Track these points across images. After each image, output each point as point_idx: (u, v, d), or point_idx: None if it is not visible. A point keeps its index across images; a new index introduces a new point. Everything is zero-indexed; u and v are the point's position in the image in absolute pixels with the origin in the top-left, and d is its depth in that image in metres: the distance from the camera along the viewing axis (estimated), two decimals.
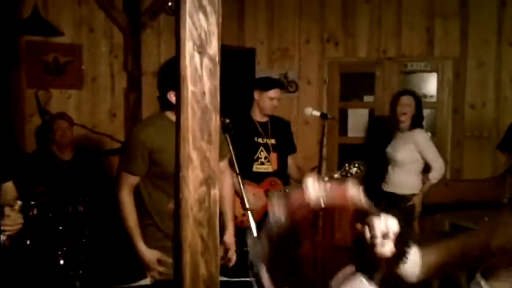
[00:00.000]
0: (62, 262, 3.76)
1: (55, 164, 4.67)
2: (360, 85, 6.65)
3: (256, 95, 4.48)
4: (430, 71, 6.30)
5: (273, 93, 4.47)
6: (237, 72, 5.60)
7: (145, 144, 2.94)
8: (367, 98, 6.57)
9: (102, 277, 3.69)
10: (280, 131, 4.61)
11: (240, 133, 4.23)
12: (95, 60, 5.62)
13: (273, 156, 4.50)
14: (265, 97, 4.46)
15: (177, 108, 1.71)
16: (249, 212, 2.46)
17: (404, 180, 4.73)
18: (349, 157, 6.12)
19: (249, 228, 2.49)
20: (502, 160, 5.43)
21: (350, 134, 6.58)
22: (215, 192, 1.68)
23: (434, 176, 4.63)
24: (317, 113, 4.11)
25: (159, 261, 2.99)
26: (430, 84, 6.34)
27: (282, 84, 4.95)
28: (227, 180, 3.28)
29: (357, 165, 4.20)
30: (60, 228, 3.96)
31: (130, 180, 3.06)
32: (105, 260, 3.96)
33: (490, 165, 5.71)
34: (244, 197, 2.50)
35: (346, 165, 4.25)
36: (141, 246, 3.02)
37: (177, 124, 1.69)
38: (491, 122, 5.79)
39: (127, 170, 3.07)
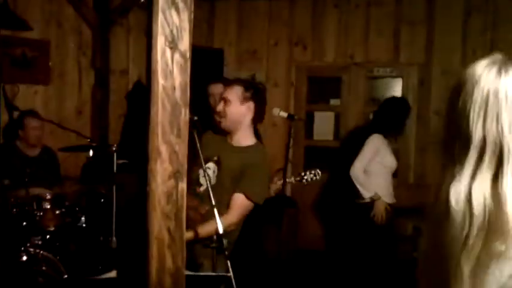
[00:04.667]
0: (24, 258, 3.72)
1: (21, 159, 4.63)
2: (327, 89, 6.74)
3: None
4: (396, 77, 6.41)
5: (211, 88, 4.43)
6: (205, 73, 5.61)
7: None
8: (334, 102, 6.65)
9: (66, 272, 3.67)
10: None
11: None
12: (62, 56, 5.57)
13: None
14: (209, 94, 4.43)
15: (147, 102, 1.73)
16: (215, 209, 2.49)
17: None
18: (314, 159, 6.23)
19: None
20: None
21: (316, 137, 6.65)
22: (183, 186, 1.70)
23: None
24: (284, 114, 4.13)
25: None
26: (395, 90, 6.45)
27: (224, 78, 4.77)
28: (227, 217, 2.92)
29: (313, 172, 4.21)
30: (24, 224, 3.92)
31: None
32: (69, 256, 3.93)
33: None
34: (210, 192, 2.52)
35: (303, 172, 4.25)
36: None
37: (147, 118, 1.72)
38: None
39: None
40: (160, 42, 1.61)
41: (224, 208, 2.92)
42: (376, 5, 6.12)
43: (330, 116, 6.65)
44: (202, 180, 3.05)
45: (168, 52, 1.62)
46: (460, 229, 1.12)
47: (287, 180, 4.08)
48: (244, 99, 3.09)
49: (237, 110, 3.08)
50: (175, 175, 1.67)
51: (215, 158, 3.10)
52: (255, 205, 3.02)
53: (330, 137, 6.56)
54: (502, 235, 1.08)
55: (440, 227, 1.15)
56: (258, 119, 3.20)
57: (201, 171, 3.02)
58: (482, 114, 1.13)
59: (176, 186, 1.68)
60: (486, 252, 1.09)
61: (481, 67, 1.17)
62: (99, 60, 5.62)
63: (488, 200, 1.10)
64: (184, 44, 1.64)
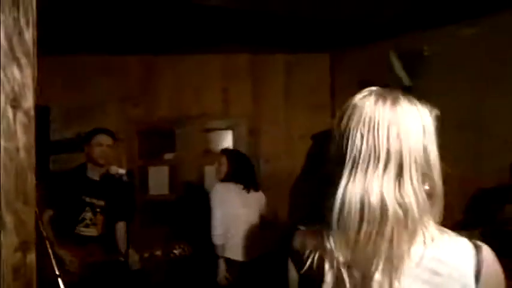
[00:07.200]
0: None
1: None
2: (160, 143, 6.68)
3: (85, 149, 4.31)
4: (227, 129, 6.57)
5: (99, 138, 4.32)
6: None
7: None
8: (168, 156, 6.61)
9: None
10: (113, 192, 4.22)
11: (68, 189, 4.02)
12: None
13: (99, 219, 4.18)
14: (93, 146, 4.28)
15: None
16: (59, 279, 2.29)
17: None
18: (151, 215, 6.11)
19: None
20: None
21: (151, 192, 6.52)
22: (32, 257, 1.54)
23: None
24: (123, 171, 3.96)
25: None
26: (227, 141, 6.59)
27: (109, 131, 4.60)
28: None
29: (182, 247, 3.89)
30: None
31: None
32: None
33: (286, 214, 6.03)
34: (53, 263, 2.31)
35: (173, 247, 3.94)
36: None
37: None
38: (285, 173, 6.17)
39: None
40: (1, 101, 1.47)
41: None
42: (205, 59, 6.25)
43: (164, 170, 6.58)
44: None
45: (10, 111, 1.49)
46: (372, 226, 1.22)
47: (154, 253, 3.74)
48: None
49: None
50: (22, 247, 1.51)
51: None
52: None
53: (166, 191, 6.49)
54: (408, 230, 1.21)
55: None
56: None
57: None
58: (365, 131, 1.26)
59: (24, 259, 1.52)
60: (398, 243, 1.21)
61: (358, 98, 1.32)
62: None
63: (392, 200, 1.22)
64: (28, 102, 1.52)
